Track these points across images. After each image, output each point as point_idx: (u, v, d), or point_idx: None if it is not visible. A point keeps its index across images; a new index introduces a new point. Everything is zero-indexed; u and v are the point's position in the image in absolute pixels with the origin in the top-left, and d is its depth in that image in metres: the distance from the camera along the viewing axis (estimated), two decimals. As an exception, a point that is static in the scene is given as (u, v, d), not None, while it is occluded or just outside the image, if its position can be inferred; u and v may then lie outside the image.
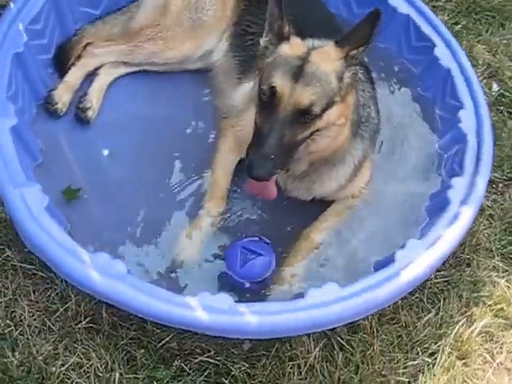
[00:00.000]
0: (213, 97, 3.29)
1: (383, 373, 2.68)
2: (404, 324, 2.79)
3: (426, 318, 2.81)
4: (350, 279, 2.60)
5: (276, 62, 2.46)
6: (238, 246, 2.73)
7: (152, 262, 2.75)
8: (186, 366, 2.56)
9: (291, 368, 2.62)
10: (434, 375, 2.69)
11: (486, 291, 2.94)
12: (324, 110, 2.44)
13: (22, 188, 2.47)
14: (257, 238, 2.77)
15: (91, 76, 3.22)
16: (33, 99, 3.05)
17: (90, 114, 3.09)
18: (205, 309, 2.31)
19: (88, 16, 3.34)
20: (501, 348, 2.81)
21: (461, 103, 3.13)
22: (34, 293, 2.68)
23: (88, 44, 3.24)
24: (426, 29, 3.37)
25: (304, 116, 2.41)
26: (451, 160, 3.10)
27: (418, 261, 2.57)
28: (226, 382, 2.54)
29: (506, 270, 3.02)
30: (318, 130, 2.49)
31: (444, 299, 2.87)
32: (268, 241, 2.79)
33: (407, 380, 2.68)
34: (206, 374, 2.55)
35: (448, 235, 2.66)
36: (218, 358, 2.59)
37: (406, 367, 2.70)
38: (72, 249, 2.38)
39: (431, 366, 2.70)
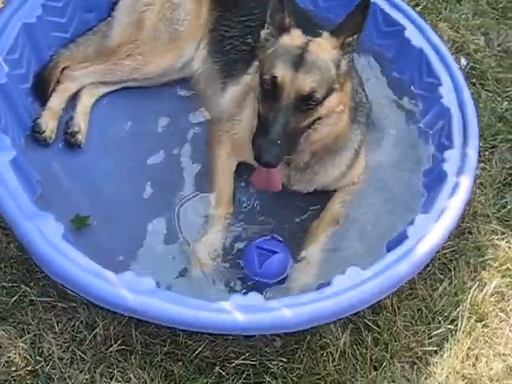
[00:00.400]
0: (198, 105, 3.30)
1: (411, 346, 2.75)
2: (422, 297, 2.88)
3: (441, 289, 2.91)
4: (365, 262, 2.70)
5: (277, 53, 2.57)
6: (252, 247, 2.77)
7: (169, 276, 2.74)
8: (223, 371, 2.57)
9: (325, 356, 2.66)
10: (458, 341, 2.78)
11: (490, 254, 3.06)
12: (325, 97, 2.55)
13: (36, 220, 2.44)
14: (269, 237, 2.81)
15: (73, 99, 3.19)
16: (20, 130, 3.00)
17: (79, 138, 3.07)
18: (240, 309, 2.34)
19: (60, 40, 3.30)
20: (514, 305, 2.94)
21: (438, 80, 3.25)
22: (57, 325, 2.63)
23: (65, 68, 3.20)
24: (394, 13, 3.48)
25: (306, 103, 2.52)
26: (438, 135, 3.21)
27: (430, 234, 2.66)
28: (266, 379, 2.56)
29: (504, 233, 3.16)
30: (319, 118, 2.59)
31: (454, 268, 2.98)
32: (280, 238, 2.84)
33: (434, 349, 2.76)
34: (244, 375, 2.57)
35: (452, 206, 2.77)
36: (253, 359, 2.61)
37: (430, 337, 2.79)
38: (98, 271, 2.37)
39: (454, 332, 2.80)
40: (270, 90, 2.53)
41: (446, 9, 4.03)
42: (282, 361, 2.61)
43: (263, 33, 2.69)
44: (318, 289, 2.58)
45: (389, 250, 2.80)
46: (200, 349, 2.60)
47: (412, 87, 3.46)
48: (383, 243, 2.87)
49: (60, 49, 3.27)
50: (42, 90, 3.15)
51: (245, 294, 2.48)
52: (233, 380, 2.56)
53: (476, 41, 3.96)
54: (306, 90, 2.50)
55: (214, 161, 3.04)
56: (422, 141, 3.28)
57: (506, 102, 3.68)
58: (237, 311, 2.33)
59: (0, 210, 2.52)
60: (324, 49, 2.58)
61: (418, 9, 3.93)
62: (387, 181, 3.17)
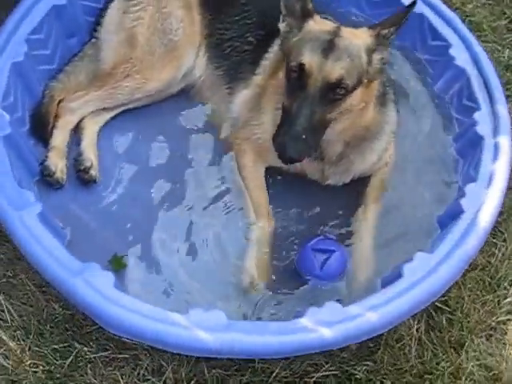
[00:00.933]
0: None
1: (483, 319, 2.69)
2: (482, 266, 2.81)
3: (498, 253, 2.84)
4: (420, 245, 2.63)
5: (305, 39, 2.44)
6: (308, 250, 2.65)
7: (225, 304, 2.56)
8: (306, 387, 2.46)
9: (403, 349, 2.58)
10: (528, 302, 2.73)
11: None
12: (354, 88, 2.40)
13: (84, 274, 2.25)
14: (322, 237, 2.70)
15: (76, 131, 2.97)
16: (29, 176, 2.76)
17: (93, 172, 2.85)
18: (323, 324, 2.21)
19: (48, 73, 3.04)
20: None
21: (448, 42, 3.13)
22: (122, 378, 2.46)
23: (61, 101, 2.96)
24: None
25: (334, 92, 2.36)
26: (456, 98, 3.11)
27: (487, 203, 2.57)
28: (353, 385, 2.47)
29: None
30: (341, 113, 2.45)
31: (506, 229, 2.91)
32: (332, 236, 2.74)
33: (506, 318, 2.70)
34: (329, 386, 2.47)
35: (499, 169, 2.68)
36: (333, 369, 2.50)
37: (500, 306, 2.73)
38: (163, 316, 2.19)
39: (522, 295, 2.74)
40: (296, 80, 2.38)
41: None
42: (364, 364, 2.52)
43: (281, 26, 2.54)
44: (386, 282, 2.49)
45: (442, 226, 2.74)
46: (277, 370, 2.48)
47: (416, 52, 3.34)
48: (432, 221, 2.79)
49: (50, 82, 3.01)
50: (41, 129, 2.91)
51: (319, 305, 2.33)
52: (318, 393, 2.45)
53: (462, -7, 3.86)
54: (335, 76, 2.34)
55: (240, 172, 2.88)
56: (441, 105, 3.17)
57: (508, 50, 3.60)
58: (321, 326, 2.20)
59: (40, 270, 2.33)
60: (357, 36, 2.45)
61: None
62: (413, 154, 3.05)
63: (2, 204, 2.40)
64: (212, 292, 2.60)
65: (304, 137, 2.33)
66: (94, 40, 3.13)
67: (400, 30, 2.45)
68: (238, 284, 2.61)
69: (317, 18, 2.52)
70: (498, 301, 2.73)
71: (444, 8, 3.27)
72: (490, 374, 2.55)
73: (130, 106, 3.05)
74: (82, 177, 2.85)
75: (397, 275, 2.42)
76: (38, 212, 2.40)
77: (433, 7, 3.26)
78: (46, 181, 2.79)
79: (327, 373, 2.49)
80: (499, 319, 2.69)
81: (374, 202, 2.85)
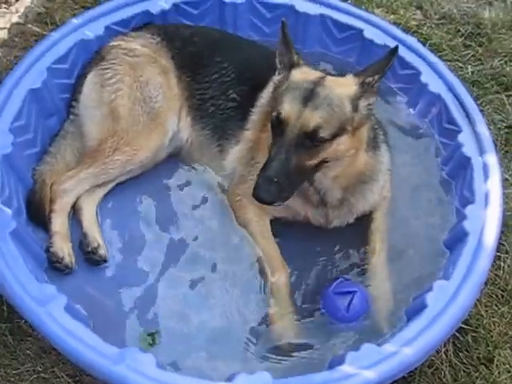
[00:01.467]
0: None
1: (504, 331, 2.79)
2: (492, 281, 2.93)
3: (504, 266, 2.97)
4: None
5: (288, 88, 2.48)
6: (330, 295, 2.70)
7: (262, 363, 2.59)
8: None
9: (437, 374, 2.66)
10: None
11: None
12: (334, 136, 2.44)
13: (126, 360, 2.23)
14: (340, 279, 2.76)
15: (74, 211, 2.95)
16: (37, 266, 2.71)
17: (102, 252, 2.83)
18: (365, 368, 2.26)
19: (33, 157, 3.02)
20: None
21: (459, 128, 3.12)
22: None
23: (53, 184, 2.93)
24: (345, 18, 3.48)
25: (311, 139, 2.40)
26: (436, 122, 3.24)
27: (487, 224, 2.69)
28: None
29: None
30: (326, 161, 2.49)
31: (505, 241, 3.05)
32: (348, 277, 2.80)
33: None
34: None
35: (493, 188, 2.80)
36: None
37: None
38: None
39: None
40: (276, 127, 2.43)
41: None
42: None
43: (275, 79, 2.63)
44: (410, 313, 2.57)
45: (449, 248, 2.84)
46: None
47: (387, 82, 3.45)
48: (438, 243, 2.89)
49: (37, 166, 2.99)
50: (38, 215, 2.87)
51: (355, 348, 2.37)
52: None
53: (414, 16, 4.03)
54: (311, 125, 2.38)
55: (247, 228, 2.90)
56: (423, 131, 3.30)
57: (469, 66, 3.78)
58: (363, 370, 2.25)
59: (80, 362, 2.29)
60: (341, 84, 2.49)
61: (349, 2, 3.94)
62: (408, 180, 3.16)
63: (26, 301, 2.36)
64: (235, 356, 2.62)
65: (276, 180, 2.37)
66: (72, 117, 3.12)
67: (384, 77, 2.52)
68: (268, 341, 2.63)
69: (304, 68, 2.57)
70: (514, 311, 2.84)
71: (404, 36, 3.40)
72: (523, 382, 2.65)
73: (122, 179, 3.04)
74: (91, 259, 2.82)
75: (420, 306, 2.49)
76: (64, 304, 2.37)
77: (394, 37, 3.38)
78: (55, 267, 2.75)
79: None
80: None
81: (381, 237, 2.91)
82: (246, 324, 2.70)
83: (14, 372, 2.58)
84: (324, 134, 2.40)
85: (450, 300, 2.45)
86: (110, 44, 3.17)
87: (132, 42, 3.16)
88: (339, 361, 2.34)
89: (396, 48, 2.48)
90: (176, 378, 2.23)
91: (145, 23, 3.35)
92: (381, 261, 2.84)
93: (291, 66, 2.58)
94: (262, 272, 2.80)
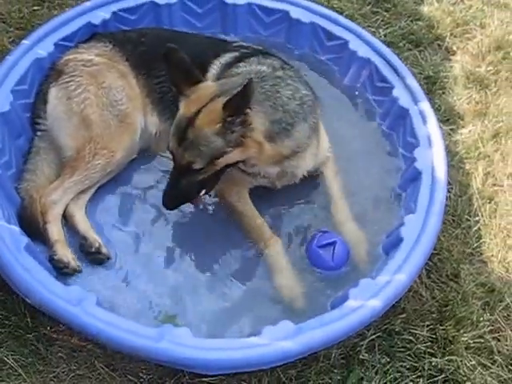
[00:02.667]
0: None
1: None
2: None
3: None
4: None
5: (175, 121, 2.83)
6: (314, 249, 3.05)
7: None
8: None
9: (415, 296, 3.07)
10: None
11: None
12: (210, 163, 2.77)
13: (167, 337, 2.49)
14: (320, 233, 3.10)
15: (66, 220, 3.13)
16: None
17: (105, 250, 3.02)
18: (370, 297, 2.66)
19: (12, 179, 3.15)
20: None
21: (391, 84, 3.51)
22: None
23: (41, 197, 3.07)
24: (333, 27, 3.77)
25: (190, 168, 2.79)
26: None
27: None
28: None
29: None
30: (228, 166, 2.85)
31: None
32: (325, 228, 3.14)
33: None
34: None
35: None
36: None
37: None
38: (249, 344, 2.50)
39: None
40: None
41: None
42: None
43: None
44: (388, 248, 3.01)
45: (404, 190, 3.28)
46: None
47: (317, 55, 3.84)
48: (394, 188, 3.33)
49: (20, 185, 3.14)
50: (32, 228, 3.01)
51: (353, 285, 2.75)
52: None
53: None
54: (183, 163, 2.78)
55: (232, 208, 3.17)
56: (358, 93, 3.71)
57: (381, 30, 4.24)
58: (368, 300, 2.65)
59: (128, 349, 2.53)
60: (210, 122, 2.70)
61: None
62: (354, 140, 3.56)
63: (61, 305, 2.54)
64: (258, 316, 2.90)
65: (171, 195, 2.86)
66: (39, 133, 3.26)
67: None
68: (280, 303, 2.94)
69: (193, 95, 2.80)
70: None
71: (327, 11, 3.83)
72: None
73: (103, 181, 3.25)
74: (97, 258, 3.01)
75: (396, 239, 2.93)
76: (95, 301, 2.57)
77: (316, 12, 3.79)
78: (63, 273, 2.92)
79: (373, 337, 2.90)
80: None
81: (337, 187, 3.29)
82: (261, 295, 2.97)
83: (51, 375, 2.74)
84: (197, 166, 2.78)
85: (421, 230, 2.89)
86: (65, 58, 3.34)
87: (85, 53, 3.34)
88: (342, 299, 2.71)
89: (250, 81, 2.55)
90: (216, 343, 2.52)
91: (91, 34, 3.53)
92: (343, 208, 3.22)
93: (179, 95, 2.85)
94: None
